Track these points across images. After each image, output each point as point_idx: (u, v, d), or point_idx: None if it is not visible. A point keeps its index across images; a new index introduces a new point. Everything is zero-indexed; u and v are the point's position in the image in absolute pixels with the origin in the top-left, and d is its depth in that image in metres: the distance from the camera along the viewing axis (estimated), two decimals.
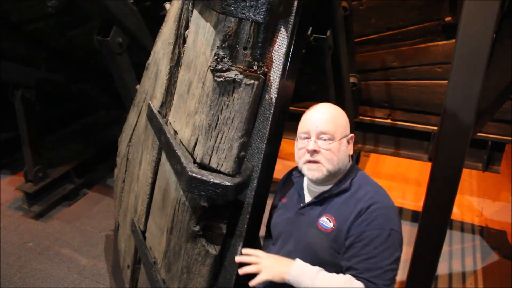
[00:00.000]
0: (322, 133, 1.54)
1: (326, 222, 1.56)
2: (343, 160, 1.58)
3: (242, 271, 1.58)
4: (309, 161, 1.56)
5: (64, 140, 5.15)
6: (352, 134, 1.63)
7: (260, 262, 1.54)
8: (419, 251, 2.12)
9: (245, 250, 1.64)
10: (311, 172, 1.57)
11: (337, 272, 1.51)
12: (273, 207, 1.86)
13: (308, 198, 1.67)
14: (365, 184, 1.61)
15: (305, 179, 1.72)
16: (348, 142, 1.60)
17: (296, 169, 1.79)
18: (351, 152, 1.62)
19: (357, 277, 1.45)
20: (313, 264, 1.52)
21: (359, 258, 1.47)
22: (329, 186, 1.61)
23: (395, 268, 1.48)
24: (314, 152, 1.54)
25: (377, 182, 1.66)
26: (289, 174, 1.86)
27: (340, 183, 1.59)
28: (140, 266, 2.43)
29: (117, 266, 2.98)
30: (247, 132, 1.66)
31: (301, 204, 1.67)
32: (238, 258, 1.62)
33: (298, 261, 1.52)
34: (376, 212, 1.50)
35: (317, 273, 1.47)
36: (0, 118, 4.71)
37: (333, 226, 1.54)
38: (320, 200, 1.61)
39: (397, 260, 1.49)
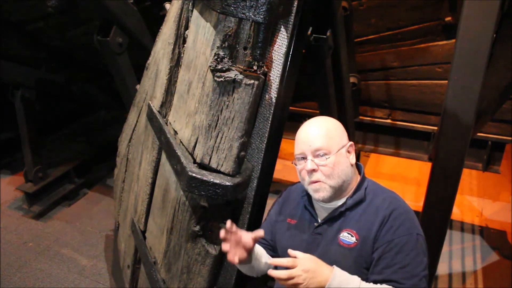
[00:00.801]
0: (317, 150, 1.49)
1: (347, 237, 1.50)
2: (345, 172, 1.52)
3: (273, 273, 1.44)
4: (312, 182, 1.51)
5: (64, 140, 5.15)
6: (351, 142, 1.57)
7: (296, 274, 1.39)
8: None
9: (273, 260, 1.54)
10: (316, 194, 1.52)
11: None
12: (279, 227, 1.73)
13: (321, 216, 1.60)
14: (379, 191, 1.56)
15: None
16: (348, 152, 1.54)
17: (297, 186, 1.74)
18: (353, 161, 1.56)
19: None
20: None
21: (393, 268, 1.41)
22: (343, 200, 1.55)
23: (427, 274, 1.44)
24: (312, 171, 1.49)
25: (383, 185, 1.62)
26: (290, 192, 1.77)
27: (354, 195, 1.54)
28: (140, 266, 2.43)
29: (117, 266, 2.98)
30: (247, 132, 1.66)
31: (315, 224, 1.60)
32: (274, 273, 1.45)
33: (338, 270, 1.42)
34: (400, 218, 1.46)
35: (359, 283, 1.41)
36: (0, 118, 4.70)
37: (356, 240, 1.48)
38: (336, 216, 1.55)
39: (427, 265, 1.45)
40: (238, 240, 1.50)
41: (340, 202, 1.56)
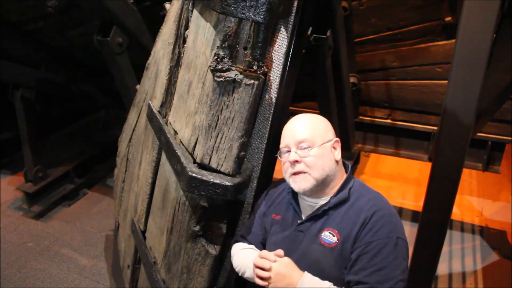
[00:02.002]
0: (300, 142, 1.50)
1: (329, 236, 1.50)
2: (329, 166, 1.52)
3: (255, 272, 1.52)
4: (294, 173, 1.52)
5: (64, 140, 5.15)
6: (337, 139, 1.57)
7: (270, 268, 1.47)
8: (419, 251, 2.12)
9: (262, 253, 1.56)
10: (297, 185, 1.52)
11: None
12: (266, 221, 1.73)
13: (305, 214, 1.60)
14: (364, 192, 1.56)
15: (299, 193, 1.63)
16: (334, 148, 1.55)
17: (282, 182, 1.72)
18: (338, 157, 1.56)
19: None
20: None
21: (368, 271, 1.41)
22: (327, 199, 1.56)
23: (405, 278, 1.43)
24: (295, 162, 1.50)
25: (374, 187, 1.61)
26: (276, 188, 1.77)
27: (338, 194, 1.54)
28: (140, 266, 2.43)
29: (117, 266, 2.98)
30: (247, 132, 1.66)
31: (299, 221, 1.60)
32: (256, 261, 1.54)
33: (307, 276, 1.45)
34: (381, 221, 1.45)
35: None
36: (0, 118, 4.71)
37: (337, 240, 1.48)
38: (320, 214, 1.55)
39: (406, 269, 1.44)
40: None
41: (324, 200, 1.56)
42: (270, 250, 1.61)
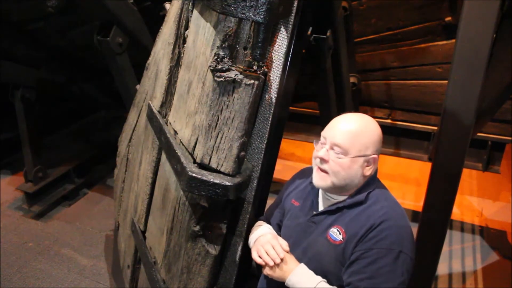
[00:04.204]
0: (336, 145, 1.48)
1: (335, 233, 1.52)
2: (352, 178, 1.50)
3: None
4: (318, 168, 1.54)
5: (64, 140, 5.15)
6: (375, 156, 1.51)
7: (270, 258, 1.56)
8: (419, 251, 2.12)
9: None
10: (315, 179, 1.56)
11: (340, 286, 1.48)
12: (284, 206, 1.79)
13: (322, 207, 1.63)
14: (382, 199, 1.54)
15: None
16: (367, 163, 1.50)
17: (309, 170, 1.72)
18: (367, 173, 1.52)
19: None
20: (318, 274, 1.51)
21: (361, 276, 1.42)
22: (345, 197, 1.56)
23: None
24: (322, 160, 1.51)
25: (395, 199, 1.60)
26: (302, 174, 1.79)
27: (356, 195, 1.54)
28: (140, 266, 2.43)
29: (117, 266, 2.98)
30: (247, 132, 1.66)
31: (314, 212, 1.63)
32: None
33: (301, 267, 1.49)
34: (387, 231, 1.44)
35: (316, 284, 1.46)
36: (0, 118, 4.71)
37: (342, 238, 1.50)
38: (334, 210, 1.56)
39: (402, 284, 1.41)
40: None
41: (342, 198, 1.58)
42: (283, 233, 1.72)
